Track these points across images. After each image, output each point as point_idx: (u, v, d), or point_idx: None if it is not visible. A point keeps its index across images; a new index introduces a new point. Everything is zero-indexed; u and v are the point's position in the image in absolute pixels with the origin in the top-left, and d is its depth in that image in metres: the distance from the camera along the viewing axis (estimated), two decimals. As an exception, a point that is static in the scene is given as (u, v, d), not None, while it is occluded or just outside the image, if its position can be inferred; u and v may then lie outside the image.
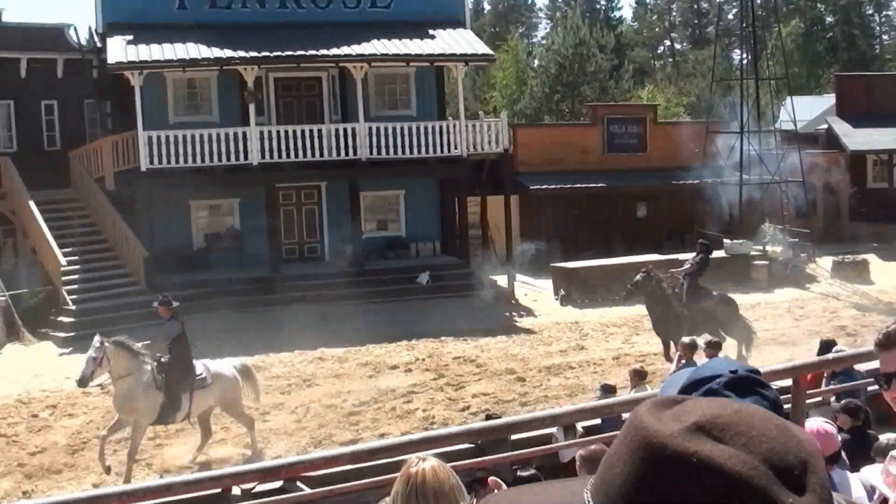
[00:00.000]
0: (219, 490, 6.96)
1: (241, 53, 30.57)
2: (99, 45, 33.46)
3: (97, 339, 16.02)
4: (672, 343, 19.94)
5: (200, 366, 16.82)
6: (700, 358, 14.95)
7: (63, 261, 28.61)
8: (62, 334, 27.43)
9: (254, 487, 7.11)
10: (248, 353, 24.19)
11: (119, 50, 30.18)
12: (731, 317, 20.85)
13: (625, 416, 11.07)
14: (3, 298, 27.80)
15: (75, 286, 28.69)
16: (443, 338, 25.40)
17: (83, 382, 15.96)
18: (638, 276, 21.07)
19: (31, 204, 29.97)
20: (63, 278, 28.54)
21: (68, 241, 29.64)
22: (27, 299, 28.89)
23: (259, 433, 18.21)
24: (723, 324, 20.63)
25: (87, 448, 18.20)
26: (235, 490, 7.04)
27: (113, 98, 33.67)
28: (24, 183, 30.51)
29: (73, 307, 28.14)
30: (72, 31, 34.85)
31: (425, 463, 3.86)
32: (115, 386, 16.33)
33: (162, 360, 16.50)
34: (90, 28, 35.45)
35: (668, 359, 19.72)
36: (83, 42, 34.62)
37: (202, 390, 16.68)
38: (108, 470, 16.04)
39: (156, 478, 15.02)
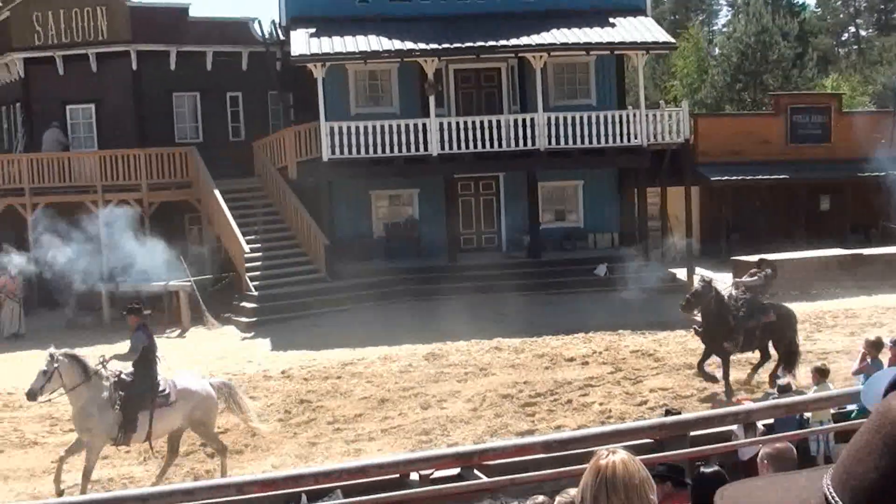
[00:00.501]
0: (397, 475, 6.94)
1: (422, 45, 30.80)
2: (282, 38, 34.25)
3: (49, 352, 14.95)
4: (717, 356, 19.25)
5: (164, 382, 15.29)
6: (884, 356, 14.46)
7: (246, 248, 29.37)
8: (244, 319, 28.16)
9: (431, 474, 7.05)
10: (425, 341, 24.43)
11: (302, 43, 30.79)
12: (788, 331, 19.62)
13: (807, 414, 10.64)
14: (189, 283, 28.72)
15: (257, 273, 29.42)
16: (620, 331, 25.04)
17: (31, 395, 14.73)
18: (697, 286, 19.97)
19: (216, 192, 30.88)
20: (246, 265, 29.31)
21: (251, 229, 30.43)
22: (211, 285, 29.77)
23: (435, 420, 18.28)
24: (779, 339, 19.50)
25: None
26: (414, 476, 7.00)
27: (296, 90, 34.40)
28: (210, 172, 31.46)
29: (256, 293, 28.86)
30: (256, 25, 35.75)
31: (615, 455, 3.70)
32: (70, 402, 15.21)
33: (122, 375, 15.17)
34: (274, 22, 36.41)
35: (703, 372, 19.16)
36: (267, 35, 35.46)
37: (165, 408, 15.25)
38: (60, 493, 14.79)
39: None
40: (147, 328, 15.53)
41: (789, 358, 19.07)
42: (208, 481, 13.66)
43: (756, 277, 20.10)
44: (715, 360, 19.49)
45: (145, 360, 15.19)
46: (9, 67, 35.67)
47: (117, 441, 15.26)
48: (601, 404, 18.89)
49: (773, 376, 18.47)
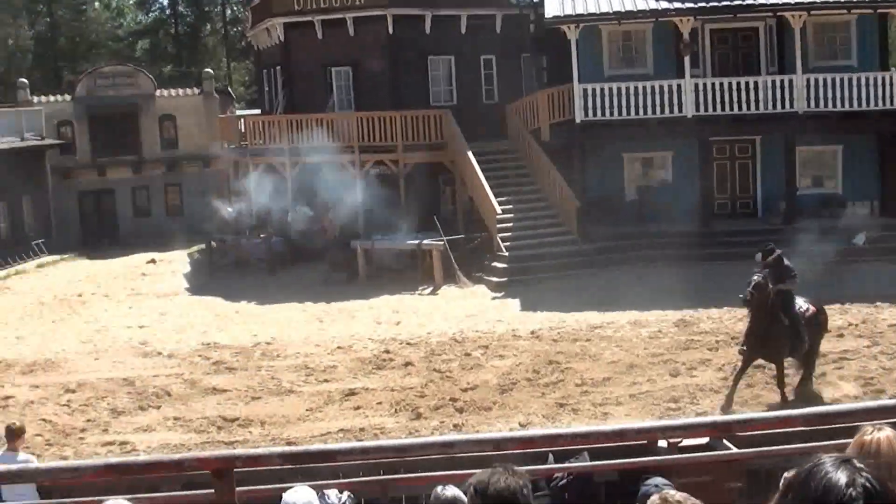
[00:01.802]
0: (644, 442, 6.90)
1: (677, 5, 30.16)
2: (535, 0, 34.21)
3: None
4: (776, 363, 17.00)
5: None
6: None
7: (498, 209, 29.65)
8: (495, 279, 28.50)
9: (680, 442, 6.97)
10: (676, 307, 24.06)
11: (556, 4, 30.66)
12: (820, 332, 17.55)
13: None
14: (442, 243, 29.27)
15: (509, 234, 29.68)
16: (878, 303, 23.93)
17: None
18: (756, 277, 16.57)
19: (469, 154, 31.28)
20: (498, 226, 29.61)
21: (503, 190, 30.68)
22: (463, 244, 30.23)
23: (684, 388, 18.06)
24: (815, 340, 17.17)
25: (516, 388, 18.82)
26: (662, 443, 6.94)
27: (549, 52, 34.33)
28: (463, 134, 31.88)
29: (507, 254, 29.14)
30: (510, -12, 35.83)
31: (881, 432, 3.56)
32: None
33: None
34: (528, -16, 36.38)
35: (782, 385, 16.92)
36: (520, -2, 35.50)
37: None
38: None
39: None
40: None
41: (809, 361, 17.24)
42: (467, 435, 13.99)
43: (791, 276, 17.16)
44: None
45: None
46: (269, 32, 37.18)
47: None
48: (856, 378, 18.18)
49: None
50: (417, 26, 34.58)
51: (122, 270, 34.85)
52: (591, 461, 7.39)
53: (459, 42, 34.87)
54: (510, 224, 29.94)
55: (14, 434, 12.15)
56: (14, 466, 9.80)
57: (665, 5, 30.29)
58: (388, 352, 22.04)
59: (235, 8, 68.53)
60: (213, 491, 5.14)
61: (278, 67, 37.18)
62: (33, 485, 10.62)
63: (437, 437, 11.70)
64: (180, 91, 44.70)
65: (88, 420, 18.52)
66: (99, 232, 41.33)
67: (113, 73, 43.95)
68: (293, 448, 10.58)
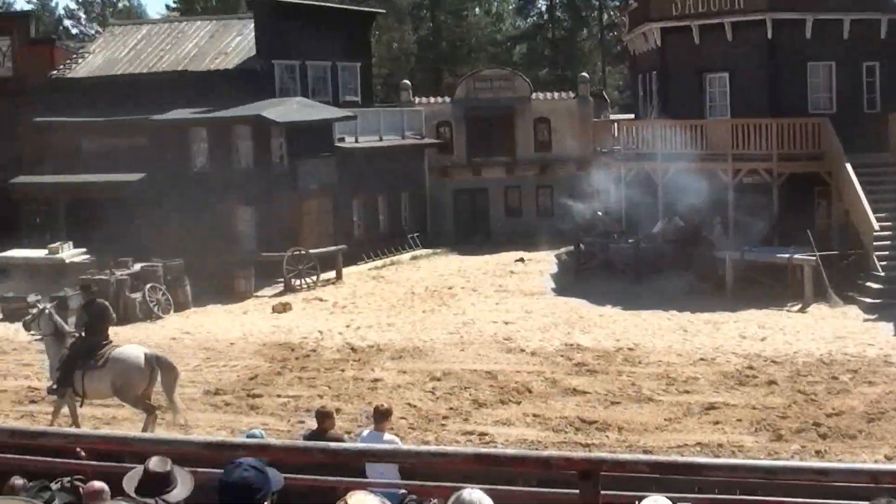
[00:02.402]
0: None
1: None
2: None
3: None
4: None
5: (110, 349, 17.43)
6: None
7: (876, 225, 28.23)
8: (868, 300, 27.12)
9: None
10: None
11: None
12: None
13: None
14: (814, 258, 28.15)
15: (886, 252, 28.16)
16: None
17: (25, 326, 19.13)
18: None
19: (847, 166, 29.91)
20: (874, 243, 28.18)
21: (882, 206, 29.14)
22: (837, 261, 28.96)
23: None
24: None
25: (884, 418, 17.84)
26: None
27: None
28: (841, 144, 30.53)
29: (882, 274, 27.66)
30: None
31: None
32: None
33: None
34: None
35: None
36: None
37: (94, 371, 17.24)
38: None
39: None
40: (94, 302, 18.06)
41: None
42: (842, 464, 13.47)
43: None
44: None
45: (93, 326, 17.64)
46: (646, 37, 37.15)
47: (53, 391, 18.01)
48: None
49: None
50: (797, 31, 33.42)
51: (491, 267, 35.91)
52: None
53: (841, 47, 33.40)
54: (888, 242, 28.38)
55: (382, 415, 12.84)
56: (383, 446, 10.33)
57: None
58: (751, 367, 21.50)
59: (612, 13, 68.95)
60: (575, 491, 5.22)
61: (654, 72, 37.10)
62: (396, 466, 11.18)
63: (810, 462, 11.30)
64: (555, 95, 45.50)
65: (451, 408, 19.26)
66: (471, 229, 42.79)
67: (491, 77, 45.37)
68: (659, 458, 10.57)
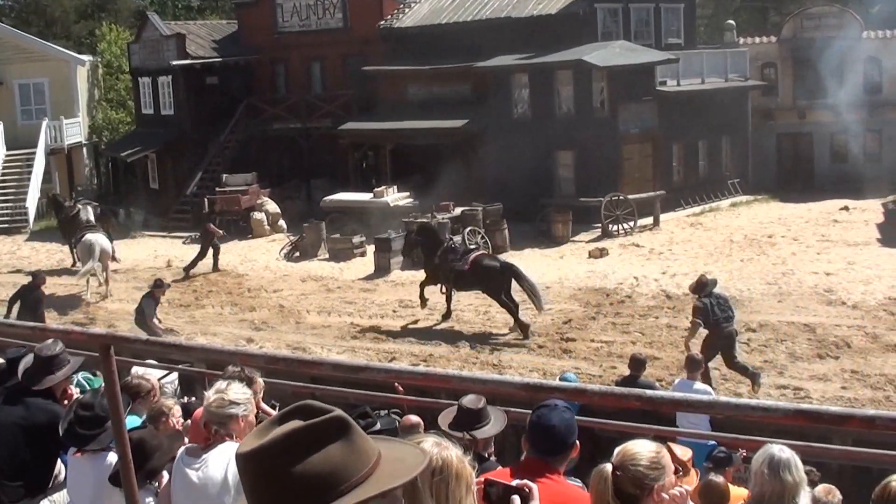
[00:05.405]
0: None
1: None
2: None
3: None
4: None
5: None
6: None
7: None
8: None
9: None
10: None
11: None
12: None
13: None
14: None
15: None
16: None
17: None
18: None
19: None
20: None
21: None
22: None
23: None
24: None
25: None
26: None
27: None
28: None
29: None
30: None
31: None
32: None
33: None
34: None
35: None
36: None
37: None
38: None
39: None
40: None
41: None
42: None
43: None
44: None
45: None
46: None
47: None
48: None
49: None
50: None
51: (814, 216, 34.74)
52: None
53: None
54: None
55: (695, 364, 13.06)
56: (701, 397, 10.49)
57: None
58: None
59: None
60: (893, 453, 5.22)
61: None
62: (707, 416, 11.28)
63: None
64: (888, 32, 43.12)
65: (766, 361, 19.00)
66: (794, 175, 41.45)
67: (819, 14, 43.50)
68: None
